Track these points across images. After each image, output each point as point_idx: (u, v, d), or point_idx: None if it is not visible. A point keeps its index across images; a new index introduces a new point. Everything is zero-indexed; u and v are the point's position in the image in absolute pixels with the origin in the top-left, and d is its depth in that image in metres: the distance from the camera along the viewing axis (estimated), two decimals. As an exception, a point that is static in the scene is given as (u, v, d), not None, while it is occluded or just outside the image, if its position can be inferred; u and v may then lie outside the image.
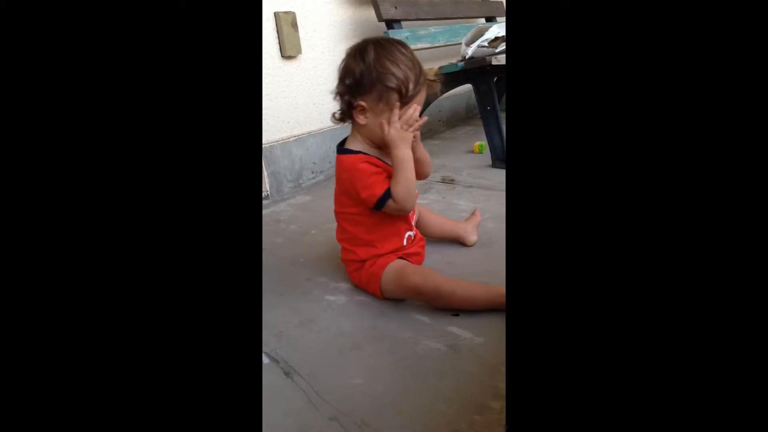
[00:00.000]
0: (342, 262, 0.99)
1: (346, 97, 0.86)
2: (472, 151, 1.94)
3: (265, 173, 1.61)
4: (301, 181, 1.74)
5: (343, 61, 0.87)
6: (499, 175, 1.59)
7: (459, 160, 1.85)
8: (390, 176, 0.86)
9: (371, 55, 0.82)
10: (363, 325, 0.83)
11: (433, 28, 1.98)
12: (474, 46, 1.70)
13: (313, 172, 1.79)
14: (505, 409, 0.59)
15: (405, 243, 0.93)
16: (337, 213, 0.96)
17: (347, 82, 0.85)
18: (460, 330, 0.79)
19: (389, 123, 0.83)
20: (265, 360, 0.76)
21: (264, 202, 1.60)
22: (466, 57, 1.70)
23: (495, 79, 1.67)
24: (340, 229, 0.96)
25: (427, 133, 2.32)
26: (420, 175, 0.91)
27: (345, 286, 0.98)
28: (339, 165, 0.90)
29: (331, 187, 0.96)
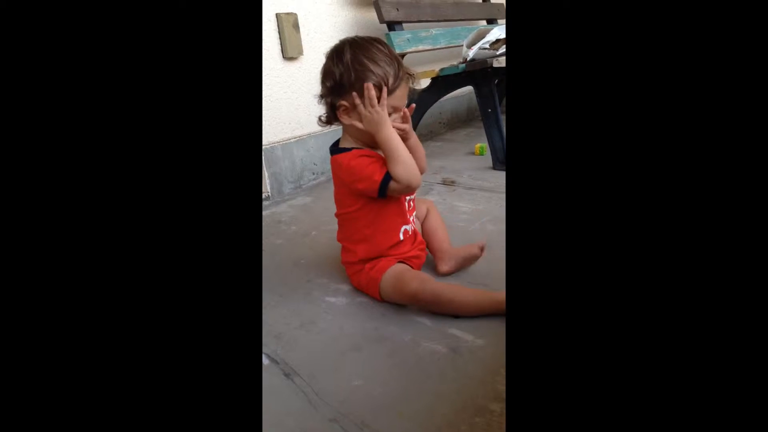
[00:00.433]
0: (342, 264, 0.99)
1: (329, 99, 0.86)
2: (473, 153, 1.94)
3: (265, 174, 1.61)
4: (301, 182, 1.74)
5: (323, 64, 0.87)
6: (500, 177, 1.59)
7: (460, 162, 1.85)
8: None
9: (348, 54, 0.83)
10: (363, 327, 0.83)
11: (435, 29, 1.99)
12: (475, 48, 1.70)
13: (314, 173, 1.79)
14: (505, 411, 0.59)
15: (402, 237, 0.92)
16: (338, 215, 0.96)
17: (328, 84, 0.85)
18: (461, 332, 0.79)
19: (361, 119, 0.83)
20: (265, 361, 0.76)
21: (265, 203, 1.60)
22: (468, 59, 1.71)
23: (496, 81, 1.67)
24: (341, 229, 0.97)
25: (428, 134, 2.32)
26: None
27: (345, 287, 0.98)
28: (335, 165, 0.90)
29: (332, 189, 0.96)
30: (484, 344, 0.75)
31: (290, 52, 1.61)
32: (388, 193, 0.85)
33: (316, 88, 0.90)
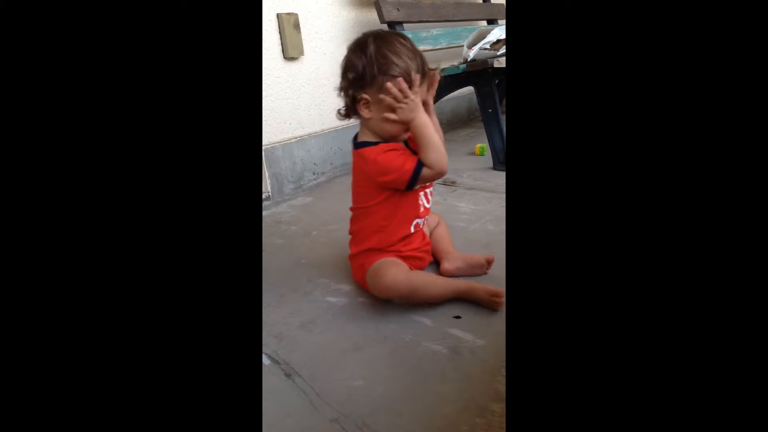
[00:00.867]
0: (349, 258, 0.98)
1: (350, 92, 0.86)
2: (474, 154, 1.94)
3: (266, 174, 1.61)
4: (302, 183, 1.74)
5: (345, 56, 0.87)
6: (501, 178, 1.59)
7: (460, 162, 1.85)
8: (413, 152, 0.87)
9: (372, 47, 0.83)
10: (364, 327, 0.83)
11: (435, 30, 1.99)
12: (476, 48, 1.70)
13: (314, 174, 1.79)
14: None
15: (412, 230, 0.92)
16: (354, 209, 0.95)
17: (350, 76, 0.85)
18: (462, 332, 0.79)
19: (391, 111, 0.83)
20: (265, 361, 0.76)
21: (265, 203, 1.60)
22: (468, 59, 1.71)
23: (496, 81, 1.67)
24: (355, 222, 0.96)
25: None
26: None
27: (346, 287, 0.98)
28: (360, 159, 0.89)
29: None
30: (485, 344, 0.75)
31: (291, 52, 1.61)
32: (418, 182, 0.86)
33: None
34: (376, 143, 0.88)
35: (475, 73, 1.65)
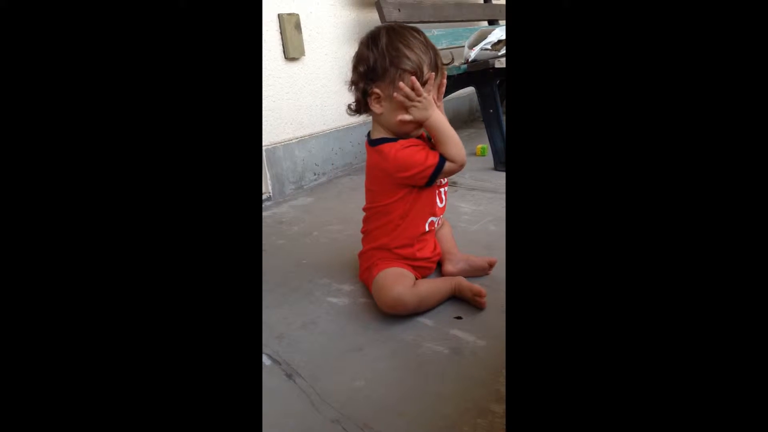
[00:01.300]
0: (358, 256, 0.97)
1: (361, 85, 0.85)
2: (475, 154, 1.94)
3: (267, 175, 1.61)
4: (303, 183, 1.74)
5: (357, 49, 0.86)
6: (502, 178, 1.59)
7: (461, 162, 1.85)
8: (432, 147, 0.87)
9: (384, 40, 0.82)
10: (365, 328, 0.83)
11: (436, 30, 1.99)
12: (477, 49, 1.70)
13: (315, 174, 1.79)
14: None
15: (427, 228, 0.91)
16: (368, 209, 0.94)
17: (361, 69, 0.84)
18: (463, 333, 0.78)
19: (405, 111, 0.82)
20: (266, 362, 0.76)
21: (266, 203, 1.60)
22: (469, 60, 1.71)
23: (497, 81, 1.67)
24: (369, 221, 0.94)
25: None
26: None
27: (347, 288, 0.98)
28: (377, 156, 0.87)
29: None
30: (486, 345, 0.75)
31: (292, 53, 1.61)
32: (440, 176, 0.85)
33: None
34: (394, 139, 0.86)
35: (476, 73, 1.65)
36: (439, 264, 0.99)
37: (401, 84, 0.80)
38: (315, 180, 1.79)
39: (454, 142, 0.84)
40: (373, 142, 0.89)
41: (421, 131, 0.89)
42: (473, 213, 1.32)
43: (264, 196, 1.61)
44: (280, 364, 0.75)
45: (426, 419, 0.61)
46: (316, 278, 1.03)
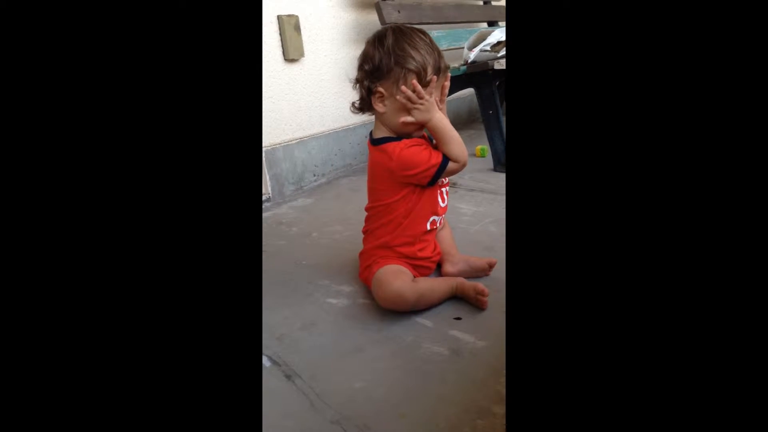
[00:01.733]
0: (358, 255, 0.97)
1: (365, 83, 0.86)
2: (474, 155, 1.94)
3: (266, 175, 1.61)
4: (302, 184, 1.74)
5: (364, 48, 0.87)
6: (501, 179, 1.59)
7: (461, 163, 1.85)
8: (435, 146, 0.88)
9: (390, 39, 0.83)
10: (365, 329, 0.83)
11: (436, 32, 1.99)
12: (476, 50, 1.70)
13: (315, 175, 1.79)
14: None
15: (428, 227, 0.92)
16: (370, 208, 0.94)
17: (366, 67, 0.85)
18: (463, 334, 0.78)
19: (407, 112, 0.83)
20: (266, 363, 0.76)
21: (265, 204, 1.60)
22: (469, 61, 1.71)
23: (497, 83, 1.67)
24: (371, 220, 0.95)
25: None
26: None
27: (347, 288, 0.98)
28: (381, 155, 0.88)
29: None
30: (486, 345, 0.75)
31: (291, 54, 1.61)
32: (443, 175, 0.86)
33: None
34: (398, 138, 0.87)
35: (476, 74, 1.65)
36: (439, 265, 0.99)
37: (403, 87, 0.81)
38: (314, 181, 1.79)
39: (456, 142, 0.85)
40: (375, 141, 0.90)
41: (422, 132, 0.90)
42: (473, 214, 1.32)
43: (264, 197, 1.61)
44: (279, 365, 0.75)
45: (426, 420, 0.61)
46: (316, 279, 1.03)
